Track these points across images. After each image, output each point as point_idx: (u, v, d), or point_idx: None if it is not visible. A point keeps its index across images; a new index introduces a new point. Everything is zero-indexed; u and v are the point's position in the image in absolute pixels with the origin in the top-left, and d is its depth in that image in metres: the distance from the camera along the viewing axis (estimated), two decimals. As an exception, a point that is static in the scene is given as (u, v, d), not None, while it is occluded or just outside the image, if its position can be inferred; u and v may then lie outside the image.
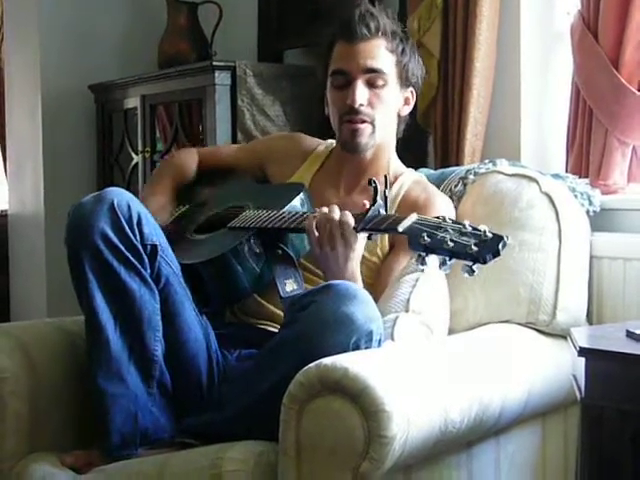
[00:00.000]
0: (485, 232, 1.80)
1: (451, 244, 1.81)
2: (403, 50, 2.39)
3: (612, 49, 2.60)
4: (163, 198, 2.57)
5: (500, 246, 1.79)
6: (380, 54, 2.36)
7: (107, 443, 2.09)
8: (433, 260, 1.85)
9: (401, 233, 1.92)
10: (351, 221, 2.09)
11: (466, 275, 1.81)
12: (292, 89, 3.47)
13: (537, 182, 2.46)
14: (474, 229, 1.82)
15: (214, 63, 3.42)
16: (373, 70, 2.35)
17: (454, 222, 1.86)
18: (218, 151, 2.81)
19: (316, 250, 2.14)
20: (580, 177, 2.65)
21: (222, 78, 3.39)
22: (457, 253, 1.81)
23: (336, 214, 2.11)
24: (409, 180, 2.47)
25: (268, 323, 2.35)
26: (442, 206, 2.39)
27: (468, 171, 2.60)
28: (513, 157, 2.80)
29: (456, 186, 2.57)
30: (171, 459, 2.01)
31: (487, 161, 2.64)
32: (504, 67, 2.94)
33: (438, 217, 1.89)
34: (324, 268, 2.16)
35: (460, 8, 2.90)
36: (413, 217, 1.93)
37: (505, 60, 2.94)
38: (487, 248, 1.79)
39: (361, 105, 2.34)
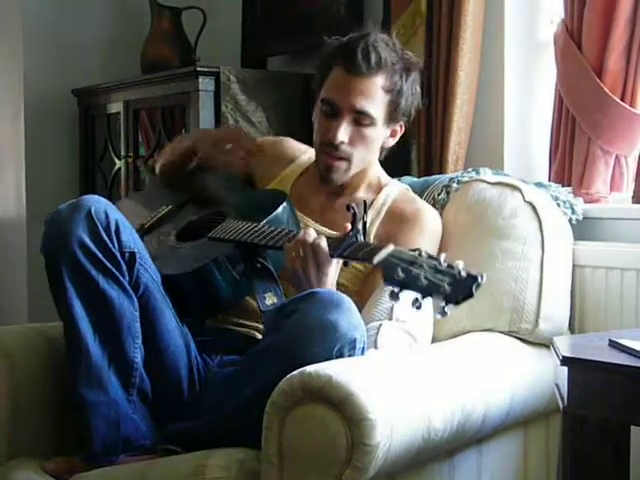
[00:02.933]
0: (460, 272, 1.75)
1: (425, 282, 1.76)
2: (400, 90, 2.35)
3: (595, 58, 2.62)
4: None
5: (474, 288, 1.74)
6: (373, 95, 2.32)
7: (89, 450, 2.09)
8: (405, 297, 1.81)
9: (375, 266, 1.88)
10: (324, 244, 2.08)
11: (439, 316, 1.76)
12: (275, 95, 3.48)
13: (520, 191, 2.46)
14: (449, 266, 1.77)
15: (198, 69, 3.42)
16: (362, 112, 2.32)
17: (429, 257, 1.81)
18: None
19: (290, 270, 2.13)
20: (563, 186, 2.66)
21: (206, 84, 3.39)
22: (430, 292, 1.76)
23: (311, 237, 2.10)
24: (395, 191, 2.47)
25: (251, 324, 2.35)
26: (429, 220, 2.40)
27: (451, 179, 2.60)
28: (496, 165, 2.81)
29: (439, 194, 2.57)
30: (153, 466, 2.00)
31: (470, 169, 2.65)
32: (488, 75, 2.95)
33: (414, 250, 1.84)
34: (296, 287, 2.14)
35: (444, 16, 2.91)
36: (389, 249, 1.88)
37: (489, 68, 2.95)
38: (460, 289, 1.74)
39: (341, 142, 2.33)
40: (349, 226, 2.06)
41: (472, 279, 1.75)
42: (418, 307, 1.77)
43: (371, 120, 2.33)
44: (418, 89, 2.42)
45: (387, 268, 1.83)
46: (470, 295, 1.74)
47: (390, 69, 2.33)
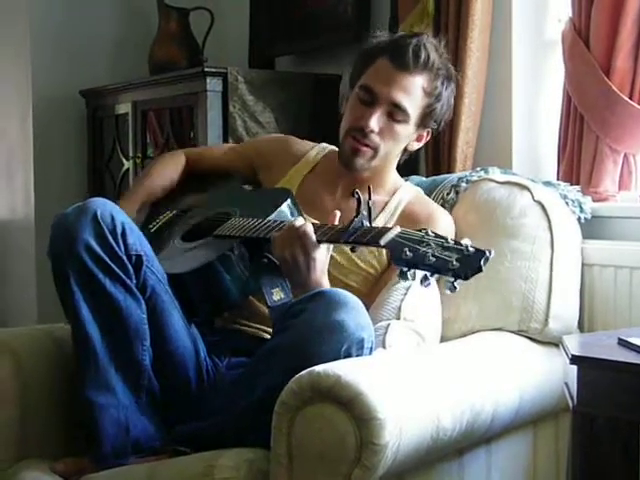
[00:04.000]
0: (467, 247, 1.79)
1: (433, 259, 1.79)
2: (439, 95, 2.37)
3: (603, 56, 2.61)
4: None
5: (482, 262, 1.77)
6: (414, 93, 2.34)
7: (98, 452, 2.09)
8: (415, 276, 1.83)
9: (383, 247, 1.91)
10: (309, 230, 2.07)
11: (448, 292, 1.79)
12: (283, 96, 3.47)
13: (529, 190, 2.46)
14: (456, 243, 1.80)
15: (205, 69, 3.41)
16: (399, 106, 2.33)
17: (436, 236, 1.84)
18: (208, 152, 2.79)
19: (277, 256, 2.13)
20: (571, 184, 2.65)
21: (213, 84, 3.39)
22: (439, 269, 1.79)
23: (298, 222, 2.11)
24: (408, 194, 2.47)
25: (258, 326, 2.35)
26: (444, 224, 2.40)
27: (460, 179, 2.60)
28: (505, 164, 2.80)
29: (448, 194, 2.57)
30: (162, 467, 2.01)
31: (479, 169, 2.64)
32: (495, 74, 2.95)
33: (420, 230, 1.87)
34: (287, 275, 2.14)
35: (452, 15, 2.91)
36: (395, 230, 1.92)
37: (497, 67, 2.95)
38: (469, 264, 1.77)
39: (371, 131, 2.34)
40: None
41: (480, 254, 1.78)
42: (427, 285, 1.80)
43: (405, 117, 2.34)
44: (452, 102, 2.44)
45: (394, 249, 1.86)
46: (479, 269, 1.77)
47: (435, 72, 2.35)
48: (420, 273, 1.83)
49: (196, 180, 2.65)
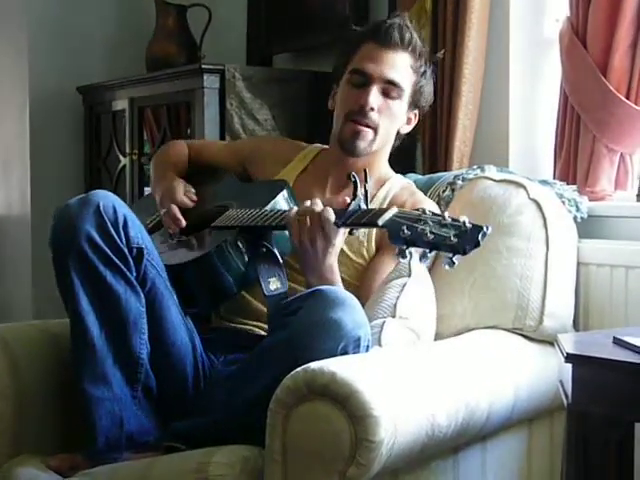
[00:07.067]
0: (465, 223, 1.80)
1: (431, 236, 1.81)
2: (424, 72, 2.41)
3: (600, 56, 2.61)
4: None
5: (480, 236, 1.79)
6: (404, 68, 2.37)
7: (92, 447, 2.09)
8: (414, 253, 1.85)
9: (381, 227, 1.92)
10: (331, 216, 2.08)
11: (447, 267, 1.80)
12: (281, 93, 3.47)
13: (525, 188, 2.46)
14: (454, 220, 1.82)
15: (203, 66, 3.41)
16: (393, 82, 2.36)
17: (434, 214, 1.85)
18: (205, 147, 2.80)
19: (295, 242, 2.13)
20: (568, 183, 2.66)
21: (211, 81, 3.39)
22: (437, 245, 1.81)
23: (318, 207, 2.11)
24: (397, 185, 2.47)
25: (254, 323, 2.35)
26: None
27: (456, 177, 2.60)
28: (501, 163, 2.80)
29: (444, 191, 2.57)
30: (156, 463, 2.00)
31: (475, 167, 2.65)
32: (493, 73, 2.95)
33: (417, 209, 1.89)
34: (302, 260, 2.16)
35: (449, 14, 2.91)
36: (393, 210, 1.93)
37: (494, 66, 2.95)
38: (467, 239, 1.79)
39: (371, 109, 2.35)
40: (347, 199, 2.07)
41: (478, 229, 1.80)
42: (426, 262, 1.86)
43: (399, 92, 2.37)
44: (432, 87, 2.47)
45: (392, 228, 1.87)
46: (477, 244, 1.79)
47: (418, 52, 2.39)
48: (418, 251, 1.85)
49: (192, 173, 2.66)
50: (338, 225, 2.08)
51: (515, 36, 2.95)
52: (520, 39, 2.96)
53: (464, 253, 1.79)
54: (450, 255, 1.80)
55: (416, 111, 2.46)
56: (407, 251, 1.84)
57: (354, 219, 2.03)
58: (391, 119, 2.39)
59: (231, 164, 2.64)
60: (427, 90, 2.44)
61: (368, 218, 1.99)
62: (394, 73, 2.36)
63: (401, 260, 1.88)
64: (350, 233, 2.13)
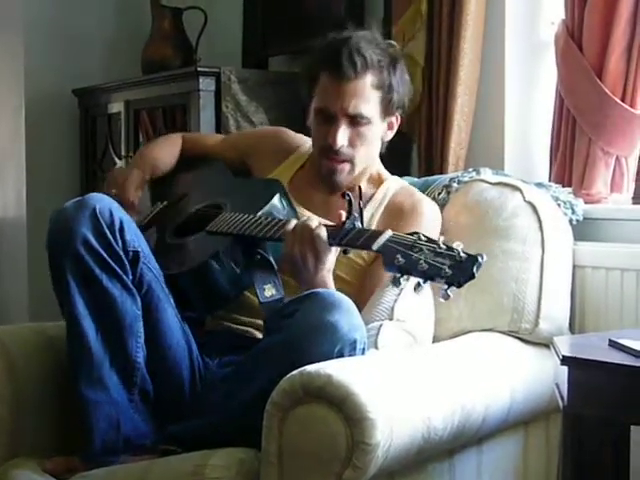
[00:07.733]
0: (459, 253, 1.78)
1: (425, 266, 1.78)
2: (389, 84, 2.35)
3: (596, 59, 2.61)
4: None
5: (474, 268, 1.76)
6: (365, 95, 2.32)
7: (89, 450, 2.09)
8: (408, 282, 1.83)
9: (375, 251, 1.91)
10: (324, 235, 2.07)
11: (442, 300, 1.79)
12: (276, 96, 3.47)
13: (521, 191, 2.47)
14: (448, 248, 1.79)
15: (198, 69, 3.42)
16: (357, 115, 2.32)
17: (428, 240, 1.83)
18: (202, 141, 2.80)
19: (287, 257, 2.13)
20: (563, 186, 2.66)
21: (206, 84, 3.39)
22: (431, 276, 1.78)
23: (313, 224, 2.10)
24: (395, 186, 2.47)
25: (249, 320, 2.34)
26: (428, 212, 2.40)
27: (452, 179, 2.60)
28: (497, 166, 2.80)
29: (439, 194, 2.57)
30: (153, 466, 2.00)
31: (471, 170, 2.65)
32: (488, 76, 2.95)
33: (412, 234, 1.87)
34: (295, 274, 2.15)
35: (445, 17, 2.91)
36: (387, 234, 1.91)
37: (489, 69, 2.95)
38: (461, 270, 1.76)
39: (342, 146, 2.33)
40: (343, 214, 2.05)
41: (472, 260, 1.77)
42: (420, 291, 1.80)
43: (367, 120, 2.34)
44: (407, 77, 2.43)
45: (386, 254, 1.85)
46: (472, 276, 1.77)
47: (377, 67, 2.33)
48: (413, 280, 1.82)
49: (187, 165, 2.67)
50: (331, 244, 2.07)
51: (511, 39, 2.95)
52: (516, 42, 2.96)
53: (459, 286, 1.77)
54: (445, 287, 1.78)
55: (396, 114, 2.42)
56: (402, 279, 1.83)
57: (348, 240, 2.01)
58: (366, 144, 2.37)
59: (230, 157, 2.65)
60: (399, 94, 2.38)
61: (362, 241, 1.96)
62: (356, 104, 2.31)
63: (395, 289, 1.86)
64: (345, 252, 2.09)
